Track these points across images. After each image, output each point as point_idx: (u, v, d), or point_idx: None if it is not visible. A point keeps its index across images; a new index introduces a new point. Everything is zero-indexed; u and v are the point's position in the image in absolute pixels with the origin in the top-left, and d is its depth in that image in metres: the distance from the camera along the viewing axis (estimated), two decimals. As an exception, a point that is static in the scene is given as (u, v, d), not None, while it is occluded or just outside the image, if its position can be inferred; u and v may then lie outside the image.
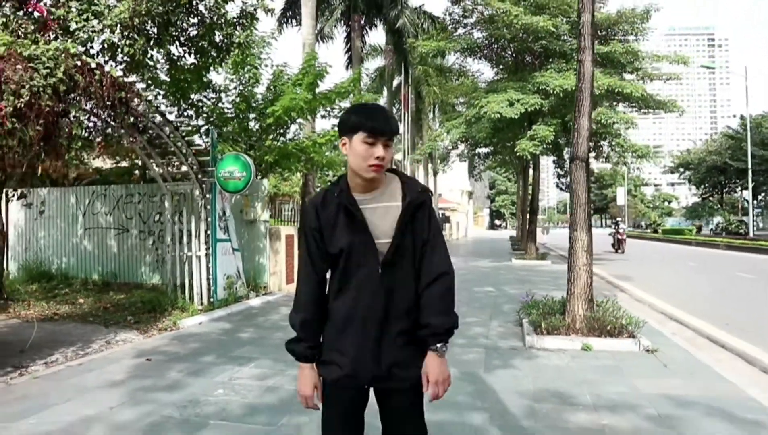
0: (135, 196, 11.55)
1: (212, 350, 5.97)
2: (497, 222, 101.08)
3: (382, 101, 33.01)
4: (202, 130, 11.11)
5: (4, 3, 5.69)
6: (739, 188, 52.51)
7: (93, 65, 5.59)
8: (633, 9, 17.14)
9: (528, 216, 21.63)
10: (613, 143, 17.47)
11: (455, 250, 29.09)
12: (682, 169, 58.85)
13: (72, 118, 5.33)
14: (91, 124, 5.96)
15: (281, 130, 11.90)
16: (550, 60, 17.71)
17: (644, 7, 17.11)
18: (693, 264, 19.19)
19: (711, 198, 58.47)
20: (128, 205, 11.61)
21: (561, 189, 22.68)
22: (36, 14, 5.97)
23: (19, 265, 11.97)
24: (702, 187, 58.05)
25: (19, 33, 5.57)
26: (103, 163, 12.62)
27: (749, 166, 36.20)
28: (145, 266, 11.41)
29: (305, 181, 14.68)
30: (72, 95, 5.43)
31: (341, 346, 1.87)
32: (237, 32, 8.82)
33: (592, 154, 19.73)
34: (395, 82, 31.54)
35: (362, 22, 24.00)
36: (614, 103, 18.14)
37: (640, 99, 16.76)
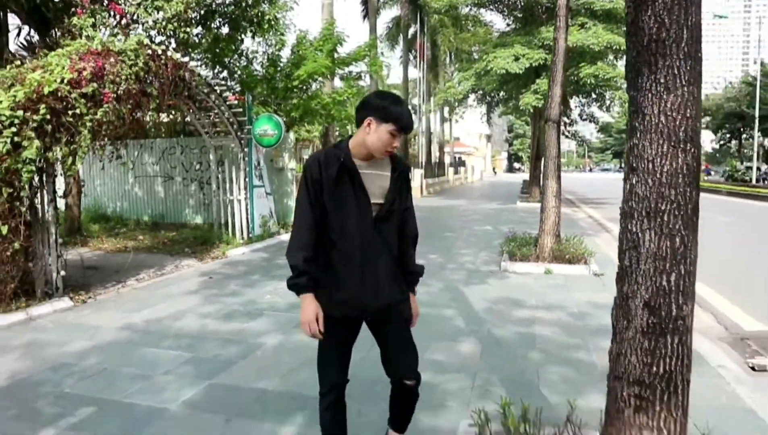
0: (177, 148, 13.27)
1: (257, 272, 7.78)
2: (516, 165, 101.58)
3: (398, 50, 33.93)
4: (235, 91, 12.65)
5: (93, 5, 7.22)
6: (759, 135, 52.42)
7: (159, 52, 7.16)
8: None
9: (535, 162, 22.97)
10: (615, 96, 18.56)
11: (468, 193, 30.63)
12: (700, 115, 58.52)
13: (148, 96, 6.93)
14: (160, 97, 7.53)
15: (305, 88, 13.40)
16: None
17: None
18: (687, 207, 20.52)
19: (729, 144, 58.62)
20: (172, 156, 13.35)
21: (566, 136, 23.86)
22: (115, 13, 7.50)
23: (80, 209, 13.86)
24: (720, 133, 58.05)
25: (103, 29, 7.14)
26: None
27: (756, 114, 36.96)
28: (189, 208, 13.24)
29: (326, 132, 16.27)
30: (147, 77, 7.03)
31: (346, 283, 2.25)
32: (266, 8, 10.24)
33: (596, 105, 20.88)
34: (411, 31, 32.37)
35: (378, -27, 24.84)
36: (618, 57, 19.08)
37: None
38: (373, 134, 2.19)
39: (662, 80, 1.83)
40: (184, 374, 3.98)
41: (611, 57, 18.61)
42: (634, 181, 1.91)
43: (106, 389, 3.71)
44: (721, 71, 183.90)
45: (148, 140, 13.66)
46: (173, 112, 10.43)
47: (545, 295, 6.43)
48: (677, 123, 1.82)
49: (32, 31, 9.64)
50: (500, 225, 13.82)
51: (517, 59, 17.29)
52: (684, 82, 1.82)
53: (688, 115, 1.82)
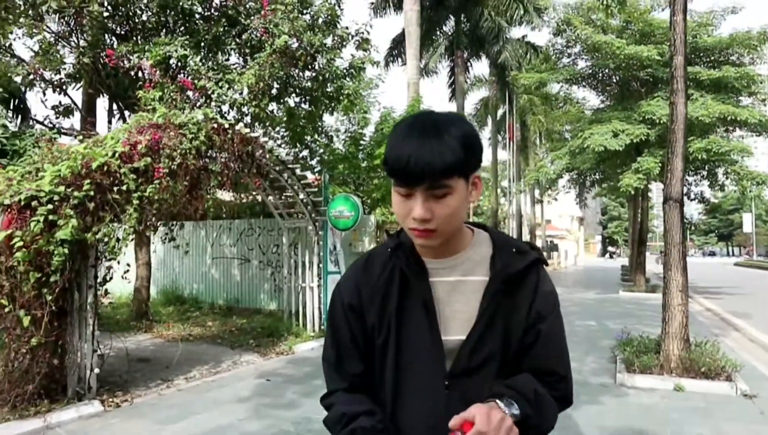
0: (255, 230, 12.84)
1: (322, 374, 6.70)
2: (611, 249, 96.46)
3: (487, 131, 33.42)
4: (316, 170, 12.19)
5: (162, 79, 6.95)
6: None
7: (226, 126, 6.64)
8: (748, 31, 16.37)
9: (637, 246, 20.92)
10: (729, 171, 16.62)
11: (562, 280, 28.51)
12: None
13: (209, 172, 6.34)
14: (223, 174, 6.95)
15: (387, 168, 12.77)
16: (658, 86, 17.31)
17: (761, 28, 16.28)
18: (828, 301, 17.62)
19: None
20: (249, 238, 12.92)
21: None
22: (183, 86, 7.18)
23: (158, 290, 13.60)
24: None
25: (170, 102, 6.76)
26: (231, 196, 14.09)
27: None
28: (264, 293, 12.59)
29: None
30: (209, 152, 6.48)
31: None
32: (346, 83, 9.78)
33: (706, 183, 18.88)
34: (500, 112, 31.84)
35: (465, 56, 24.71)
36: (730, 130, 17.32)
37: (759, 124, 15.89)
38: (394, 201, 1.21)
39: None
40: None
41: (721, 130, 16.92)
42: None
43: None
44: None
45: (227, 221, 13.39)
46: (246, 192, 10.02)
47: (682, 425, 4.89)
48: None
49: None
50: (604, 319, 12.08)
51: (615, 135, 15.93)
52: None
53: None
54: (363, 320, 1.27)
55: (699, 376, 6.29)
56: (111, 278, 5.47)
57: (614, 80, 19.10)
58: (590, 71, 18.98)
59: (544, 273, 1.29)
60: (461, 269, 1.24)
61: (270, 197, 9.88)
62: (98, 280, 5.31)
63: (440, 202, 1.12)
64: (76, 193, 4.87)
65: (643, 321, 11.05)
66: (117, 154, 5.25)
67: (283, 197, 9.95)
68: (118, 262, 5.39)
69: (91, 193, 5.00)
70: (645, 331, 8.13)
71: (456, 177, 1.12)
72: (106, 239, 5.11)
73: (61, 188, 4.81)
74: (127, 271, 5.58)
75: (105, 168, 5.11)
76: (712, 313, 14.38)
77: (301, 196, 9.28)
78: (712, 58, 17.15)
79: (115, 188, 5.14)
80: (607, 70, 18.38)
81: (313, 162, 12.33)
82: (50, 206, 4.69)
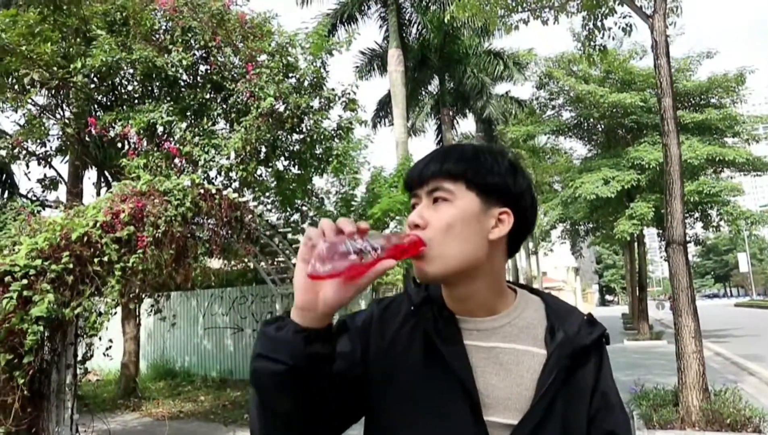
0: (248, 298, 12.50)
1: None
2: (608, 298, 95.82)
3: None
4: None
5: (146, 146, 6.83)
6: None
7: (213, 191, 6.46)
8: (725, 74, 16.70)
9: (638, 293, 20.61)
10: (722, 211, 16.58)
11: (563, 331, 27.94)
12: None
13: (196, 239, 6.11)
14: (211, 241, 6.72)
15: (380, 228, 12.57)
16: (644, 133, 17.51)
17: (737, 70, 16.64)
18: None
19: None
20: (242, 306, 12.56)
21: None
22: (168, 151, 7.05)
23: (148, 364, 13.07)
24: None
25: (155, 169, 6.60)
26: (221, 263, 13.79)
27: None
28: (258, 363, 12.09)
29: (406, 273, 15.14)
30: (196, 219, 6.27)
31: None
32: (335, 144, 9.71)
33: (700, 224, 18.80)
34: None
35: (451, 114, 25.08)
36: (718, 170, 17.43)
37: (746, 163, 15.99)
38: None
39: None
40: None
41: (710, 171, 17.03)
42: None
43: None
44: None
45: (218, 289, 13.04)
46: (237, 259, 9.75)
47: (716, 484, 4.51)
48: None
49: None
50: (613, 371, 11.63)
51: (606, 182, 15.93)
52: None
53: None
54: (363, 357, 1.00)
55: (724, 428, 5.91)
56: (92, 356, 5.13)
57: (600, 129, 19.35)
58: (575, 121, 19.24)
59: (606, 350, 1.08)
60: (501, 334, 0.99)
61: (262, 263, 9.64)
62: (78, 359, 4.98)
63: (435, 209, 0.95)
64: (53, 266, 4.60)
65: (654, 371, 10.63)
66: (98, 224, 5.03)
67: (275, 263, 9.71)
68: (100, 338, 5.07)
69: (70, 265, 4.74)
70: (658, 381, 7.76)
71: (460, 183, 0.96)
72: (86, 314, 4.81)
73: (38, 261, 4.55)
74: (110, 347, 5.24)
75: (85, 239, 4.88)
76: (722, 357, 13.97)
77: (294, 260, 9.02)
78: (693, 101, 17.44)
79: (96, 260, 4.88)
80: (592, 120, 18.65)
81: (305, 226, 12.14)
82: (25, 281, 4.41)
